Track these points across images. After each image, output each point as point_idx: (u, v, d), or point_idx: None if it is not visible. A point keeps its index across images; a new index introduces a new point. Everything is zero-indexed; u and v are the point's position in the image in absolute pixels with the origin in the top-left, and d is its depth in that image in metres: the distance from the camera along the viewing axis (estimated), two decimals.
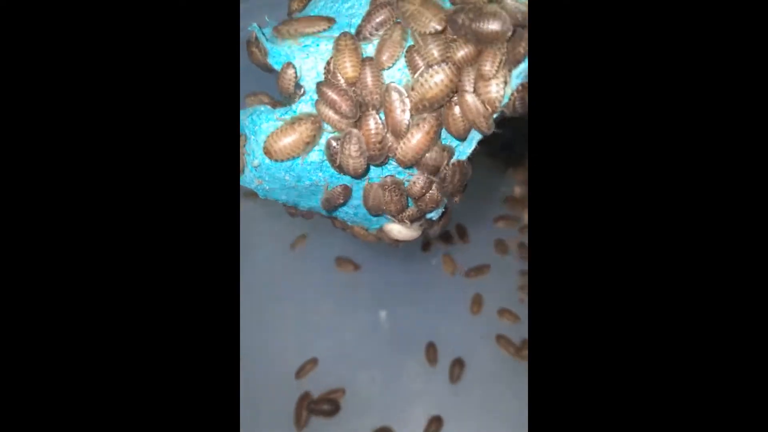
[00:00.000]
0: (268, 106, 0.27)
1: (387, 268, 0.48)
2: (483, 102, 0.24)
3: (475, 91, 0.24)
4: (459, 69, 0.24)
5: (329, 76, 0.24)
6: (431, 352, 0.44)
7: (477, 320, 0.45)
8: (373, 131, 0.24)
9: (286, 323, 0.46)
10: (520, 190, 0.51)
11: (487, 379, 0.43)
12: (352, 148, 0.24)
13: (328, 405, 0.41)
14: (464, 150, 0.26)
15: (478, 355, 0.43)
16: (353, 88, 0.24)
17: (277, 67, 0.25)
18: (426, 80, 0.23)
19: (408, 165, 0.25)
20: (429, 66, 0.23)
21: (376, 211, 0.27)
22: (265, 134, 0.25)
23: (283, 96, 0.26)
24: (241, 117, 0.27)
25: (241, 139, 0.27)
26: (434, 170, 0.26)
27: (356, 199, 0.27)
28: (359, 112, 0.24)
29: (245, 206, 0.47)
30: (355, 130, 0.24)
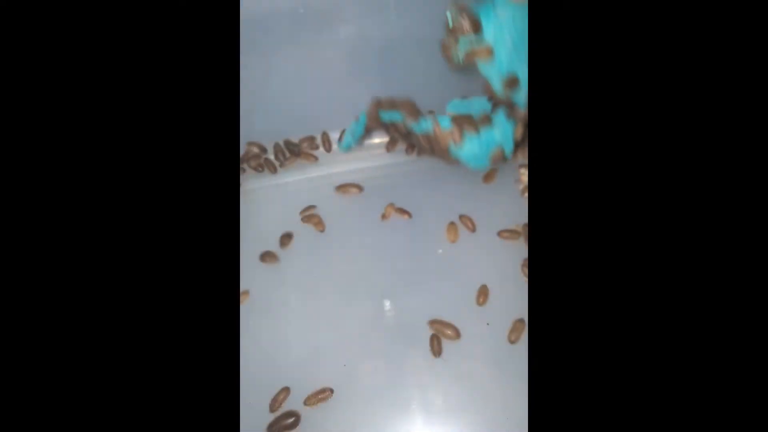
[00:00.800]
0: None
1: (392, 257, 0.48)
2: None
3: None
4: None
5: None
6: (435, 343, 0.43)
7: (483, 311, 0.44)
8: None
9: (288, 315, 0.46)
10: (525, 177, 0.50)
11: (492, 370, 0.42)
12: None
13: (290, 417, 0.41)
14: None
15: (484, 347, 0.43)
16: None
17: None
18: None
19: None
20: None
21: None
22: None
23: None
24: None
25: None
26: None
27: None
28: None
29: None
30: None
